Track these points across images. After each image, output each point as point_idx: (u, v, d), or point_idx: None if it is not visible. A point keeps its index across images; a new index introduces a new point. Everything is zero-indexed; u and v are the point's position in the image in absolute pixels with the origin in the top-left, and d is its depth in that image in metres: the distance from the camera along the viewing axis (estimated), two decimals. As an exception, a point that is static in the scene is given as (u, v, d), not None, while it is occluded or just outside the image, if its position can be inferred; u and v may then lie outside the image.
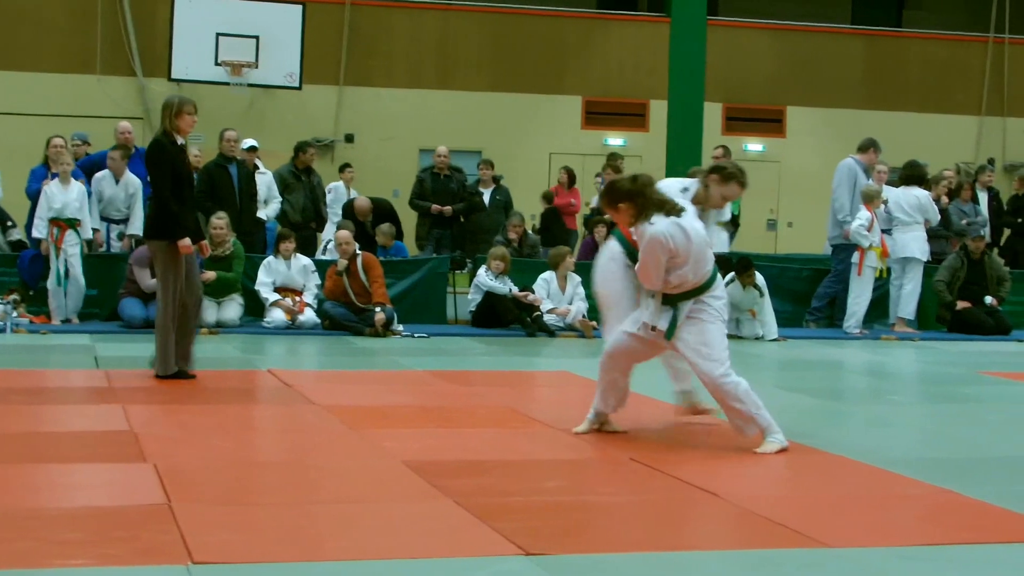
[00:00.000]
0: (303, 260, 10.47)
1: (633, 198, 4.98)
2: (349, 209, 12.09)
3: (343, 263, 10.04)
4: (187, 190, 6.82)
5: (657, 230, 4.90)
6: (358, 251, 10.15)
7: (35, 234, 9.94)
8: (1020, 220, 13.36)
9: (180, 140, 6.79)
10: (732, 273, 10.51)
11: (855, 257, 10.98)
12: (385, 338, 9.89)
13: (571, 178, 13.77)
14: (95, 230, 10.26)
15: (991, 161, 18.14)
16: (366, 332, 9.94)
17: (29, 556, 3.25)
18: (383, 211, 12.12)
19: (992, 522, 3.98)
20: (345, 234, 10.21)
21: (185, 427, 5.48)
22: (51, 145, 10.23)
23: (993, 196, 13.29)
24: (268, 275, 10.22)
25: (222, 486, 4.25)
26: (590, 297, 9.84)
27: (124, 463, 4.56)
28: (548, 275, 10.71)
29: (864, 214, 10.93)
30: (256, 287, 10.22)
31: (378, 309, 9.92)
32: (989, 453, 5.39)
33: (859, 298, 10.99)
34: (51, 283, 9.83)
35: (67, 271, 9.81)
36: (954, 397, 7.42)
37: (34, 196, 10.25)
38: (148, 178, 10.64)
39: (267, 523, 3.70)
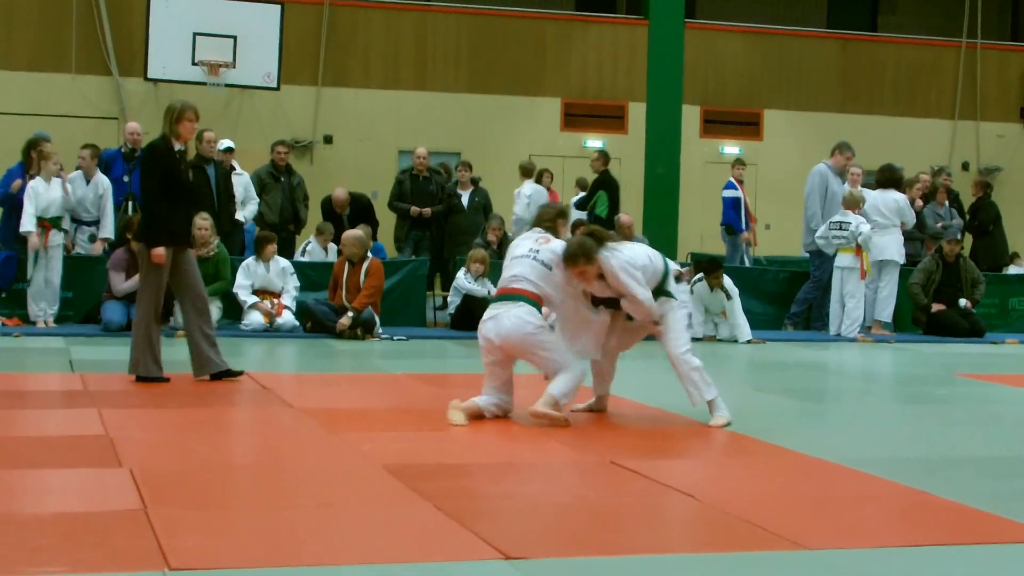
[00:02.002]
0: (282, 262, 10.45)
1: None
2: (327, 203, 12.06)
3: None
4: (182, 195, 6.77)
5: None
6: (369, 255, 10.10)
7: (26, 228, 9.77)
8: (976, 223, 13.50)
9: (179, 146, 6.77)
10: (700, 273, 10.59)
11: (850, 261, 11.05)
12: (363, 340, 9.87)
13: (550, 180, 13.87)
14: (65, 231, 10.22)
15: (965, 165, 18.31)
16: (345, 334, 9.93)
17: (0, 562, 3.22)
18: (361, 205, 12.08)
19: (966, 522, 4.02)
20: (352, 235, 10.10)
21: (161, 431, 5.46)
22: (40, 149, 10.09)
23: (953, 198, 13.44)
24: (246, 278, 10.19)
25: (199, 490, 4.22)
26: None
27: (99, 467, 4.53)
28: None
29: (855, 218, 11.03)
30: (234, 290, 10.18)
31: (349, 313, 9.88)
32: (963, 454, 5.44)
33: (860, 301, 11.08)
34: (36, 285, 9.76)
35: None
36: (929, 398, 7.49)
37: (3, 197, 10.17)
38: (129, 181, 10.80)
39: (244, 527, 3.69)
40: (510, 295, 5.72)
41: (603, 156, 12.83)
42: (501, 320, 5.63)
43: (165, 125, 6.77)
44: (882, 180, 11.74)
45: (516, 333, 5.59)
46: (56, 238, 9.83)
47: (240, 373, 7.01)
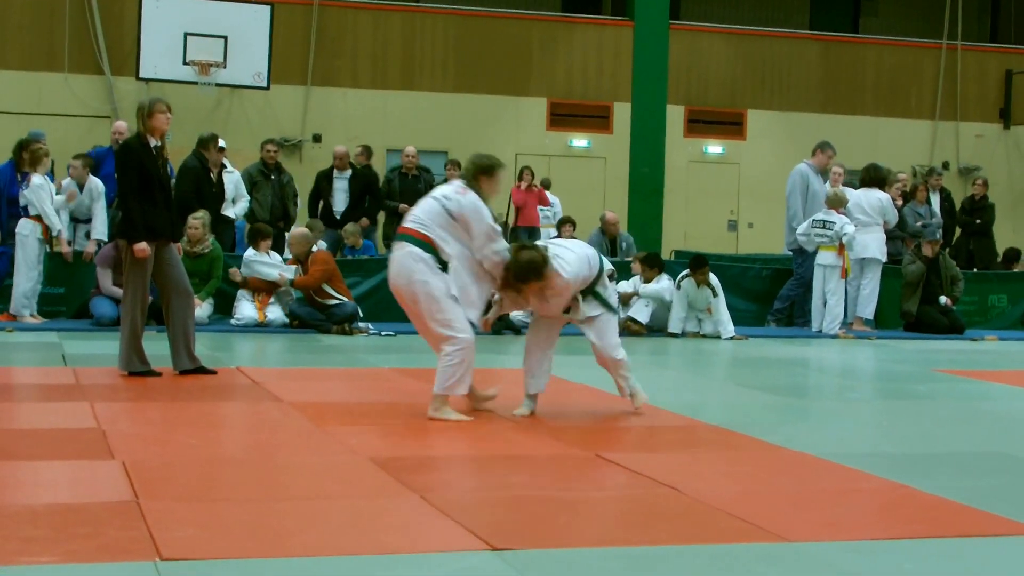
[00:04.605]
0: (276, 256, 10.54)
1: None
2: (325, 173, 12.16)
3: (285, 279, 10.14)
4: (158, 191, 6.81)
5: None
6: (314, 248, 10.21)
7: (59, 226, 9.84)
8: (978, 221, 13.65)
9: (154, 141, 6.81)
10: (686, 271, 10.70)
11: (832, 260, 11.15)
12: (351, 336, 9.93)
13: (531, 177, 14.04)
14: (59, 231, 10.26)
15: (945, 164, 18.48)
16: (332, 330, 10.00)
17: (-7, 553, 3.24)
18: (367, 180, 12.17)
19: (945, 516, 4.08)
20: (298, 233, 10.25)
21: (153, 424, 5.49)
22: (33, 150, 10.11)
23: (945, 197, 13.58)
24: (263, 257, 10.30)
25: (190, 483, 4.26)
26: None
27: (91, 460, 4.56)
28: None
29: (839, 218, 11.13)
30: (264, 271, 10.21)
31: (288, 272, 10.06)
32: (942, 448, 5.51)
33: (840, 299, 11.18)
34: (37, 280, 9.78)
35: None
36: (909, 394, 7.56)
37: None
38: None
39: (235, 519, 3.72)
40: (399, 235, 5.69)
41: (366, 151, 12.98)
42: (391, 264, 5.65)
43: (138, 122, 6.84)
44: (866, 179, 11.84)
45: (402, 277, 5.54)
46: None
47: (213, 372, 7.01)
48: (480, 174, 5.76)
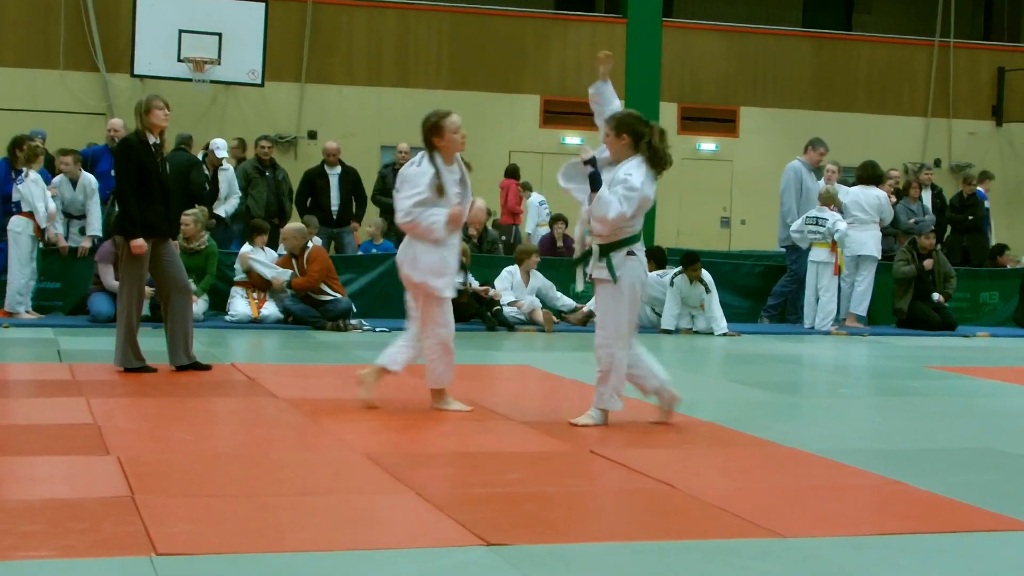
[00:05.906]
0: (272, 253, 10.56)
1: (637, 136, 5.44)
2: (315, 170, 12.16)
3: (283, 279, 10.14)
4: (156, 188, 6.83)
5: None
6: (309, 244, 10.21)
7: (46, 224, 9.86)
8: (971, 217, 13.69)
9: (153, 139, 6.82)
10: (679, 267, 10.73)
11: (825, 256, 11.18)
12: (345, 332, 9.94)
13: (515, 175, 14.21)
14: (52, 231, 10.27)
15: (937, 162, 18.53)
16: (327, 326, 10.02)
17: (-10, 547, 3.25)
18: (352, 179, 12.18)
19: (938, 512, 4.10)
20: (292, 228, 10.25)
21: (148, 420, 5.49)
22: (27, 147, 10.12)
23: (936, 194, 13.63)
24: (258, 254, 10.32)
25: (185, 478, 4.26)
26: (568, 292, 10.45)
27: (87, 455, 4.57)
28: (512, 268, 10.87)
29: (832, 215, 11.16)
30: (261, 270, 10.22)
31: (284, 279, 10.03)
32: (934, 444, 5.55)
33: (833, 295, 11.22)
34: (31, 277, 9.79)
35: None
36: (902, 391, 7.60)
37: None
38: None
39: (230, 515, 3.74)
40: None
41: (241, 144, 13.08)
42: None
43: (136, 120, 6.87)
44: (863, 176, 11.87)
45: (402, 267, 5.80)
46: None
47: (208, 367, 7.03)
48: (431, 136, 5.75)
